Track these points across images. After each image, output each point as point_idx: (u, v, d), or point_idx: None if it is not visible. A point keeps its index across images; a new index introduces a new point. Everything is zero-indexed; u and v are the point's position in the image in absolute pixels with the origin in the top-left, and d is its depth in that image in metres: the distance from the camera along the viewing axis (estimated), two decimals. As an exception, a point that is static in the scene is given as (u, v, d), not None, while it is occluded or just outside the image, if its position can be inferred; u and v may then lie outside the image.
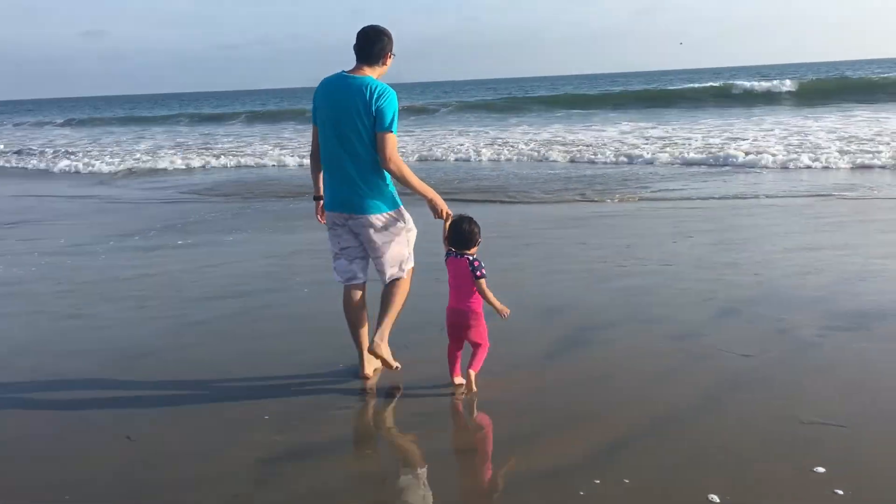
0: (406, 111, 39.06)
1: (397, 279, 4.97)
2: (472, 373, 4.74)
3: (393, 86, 4.74)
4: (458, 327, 4.76)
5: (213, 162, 23.55)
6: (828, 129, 22.34)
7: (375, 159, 4.66)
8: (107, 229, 11.71)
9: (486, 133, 28.23)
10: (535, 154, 20.64)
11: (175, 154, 26.21)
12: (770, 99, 38.27)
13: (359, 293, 4.99)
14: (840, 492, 3.41)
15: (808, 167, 15.55)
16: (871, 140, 18.58)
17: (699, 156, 17.75)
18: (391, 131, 4.60)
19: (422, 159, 21.11)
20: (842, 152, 16.66)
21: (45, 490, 3.76)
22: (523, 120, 34.95)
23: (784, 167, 15.73)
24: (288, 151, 25.07)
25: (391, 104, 4.61)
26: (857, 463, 3.70)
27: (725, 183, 13.97)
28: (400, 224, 4.87)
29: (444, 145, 23.96)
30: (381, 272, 4.94)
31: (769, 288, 6.74)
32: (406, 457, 4.13)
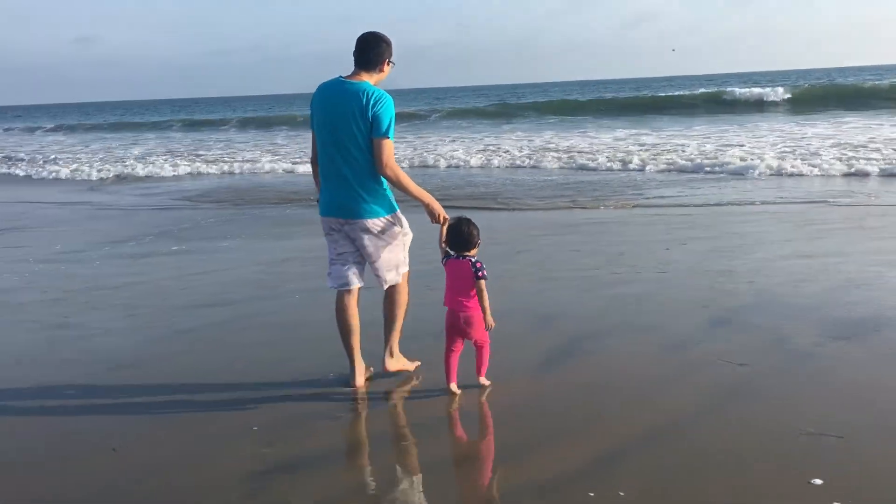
0: (398, 117, 38.87)
1: (395, 289, 4.99)
2: (484, 381, 4.85)
3: (386, 92, 4.71)
4: (459, 328, 4.75)
5: (205, 168, 23.47)
6: (821, 135, 22.35)
7: (372, 164, 4.64)
8: (96, 236, 11.61)
9: (479, 139, 28.20)
10: (528, 160, 20.60)
11: (167, 160, 26.11)
12: (763, 106, 38.31)
13: (352, 299, 4.95)
14: (839, 504, 3.35)
15: (802, 174, 15.51)
16: (864, 147, 18.57)
17: (693, 162, 17.70)
18: (388, 137, 4.60)
19: (413, 166, 21.09)
20: (835, 159, 16.64)
21: (29, 503, 3.69)
22: (516, 126, 34.95)
23: (777, 174, 15.70)
24: (279, 157, 25.02)
25: (388, 110, 4.61)
26: (856, 474, 3.64)
27: (719, 190, 13.94)
28: (396, 228, 4.86)
29: (435, 152, 23.92)
30: (380, 277, 4.92)
31: (764, 296, 6.68)
32: (398, 469, 4.04)
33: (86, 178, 22.77)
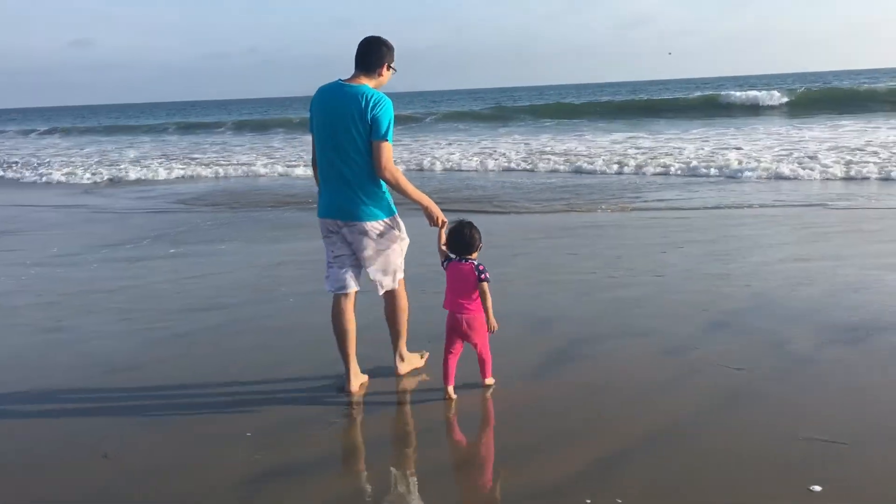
0: (395, 120, 38.91)
1: (393, 296, 5.00)
2: (489, 381, 4.91)
3: (385, 95, 4.71)
4: (460, 331, 4.75)
5: (201, 171, 23.40)
6: (818, 139, 22.37)
7: (371, 167, 4.65)
8: (91, 240, 11.55)
9: (475, 142, 28.19)
10: (525, 163, 20.57)
11: (162, 163, 26.03)
12: (759, 109, 38.36)
13: (349, 303, 4.93)
14: (839, 512, 3.32)
15: (799, 177, 15.49)
16: (861, 150, 18.57)
17: (690, 166, 17.67)
18: (386, 140, 4.60)
19: (409, 169, 21.03)
20: (832, 162, 16.62)
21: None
22: (512, 129, 34.93)
23: (774, 177, 15.68)
24: (273, 160, 24.97)
25: (387, 113, 4.61)
26: (856, 481, 3.62)
27: (716, 193, 13.91)
28: (395, 232, 4.86)
29: (431, 155, 23.88)
30: (376, 282, 4.91)
31: (762, 299, 6.65)
32: (393, 474, 3.99)
33: (80, 181, 22.65)
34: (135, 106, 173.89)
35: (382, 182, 4.73)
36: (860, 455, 3.85)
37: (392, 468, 4.03)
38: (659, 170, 17.68)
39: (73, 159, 29.69)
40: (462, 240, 4.71)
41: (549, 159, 20.80)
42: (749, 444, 3.99)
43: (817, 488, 3.51)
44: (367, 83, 4.72)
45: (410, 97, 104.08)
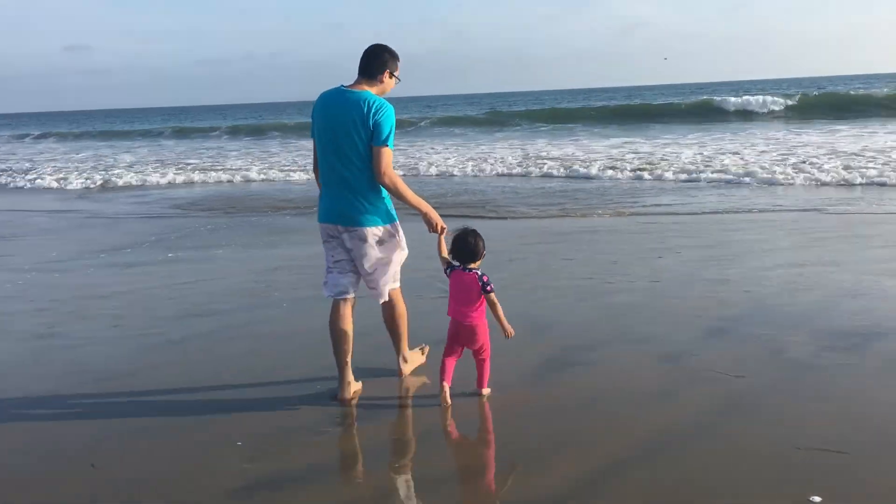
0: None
1: (391, 303, 5.00)
2: (485, 391, 4.85)
3: (386, 101, 4.72)
4: (462, 339, 4.74)
5: (196, 176, 23.28)
6: (814, 144, 22.38)
7: (372, 172, 4.65)
8: (85, 245, 11.46)
9: (471, 147, 28.16)
10: (520, 168, 20.53)
11: (157, 168, 25.94)
12: (756, 115, 38.41)
13: (347, 308, 4.91)
14: (840, 523, 3.27)
15: (796, 182, 15.46)
16: (858, 155, 18.57)
17: (686, 171, 17.65)
18: (387, 146, 4.60)
19: (405, 174, 20.97)
20: (829, 167, 16.61)
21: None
22: (508, 134, 34.95)
23: (771, 182, 15.65)
24: (270, 165, 24.90)
25: (388, 119, 4.62)
26: (856, 491, 3.56)
27: (713, 197, 13.88)
28: (395, 239, 4.85)
29: (427, 159, 23.85)
30: (373, 289, 4.91)
31: (760, 305, 6.60)
32: (386, 484, 3.92)
33: (74, 186, 22.52)
34: (130, 111, 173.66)
35: (383, 188, 4.72)
36: (860, 465, 3.79)
37: (385, 478, 3.96)
38: (656, 174, 17.63)
39: (67, 164, 29.55)
40: (466, 248, 4.67)
41: (545, 164, 20.76)
42: (748, 454, 3.93)
43: (817, 499, 3.45)
44: (369, 89, 4.72)
45: (405, 102, 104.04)
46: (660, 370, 5.21)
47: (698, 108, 41.97)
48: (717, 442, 4.10)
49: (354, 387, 4.93)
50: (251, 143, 38.11)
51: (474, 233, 4.72)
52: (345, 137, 4.62)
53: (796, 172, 16.22)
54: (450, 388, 4.76)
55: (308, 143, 32.73)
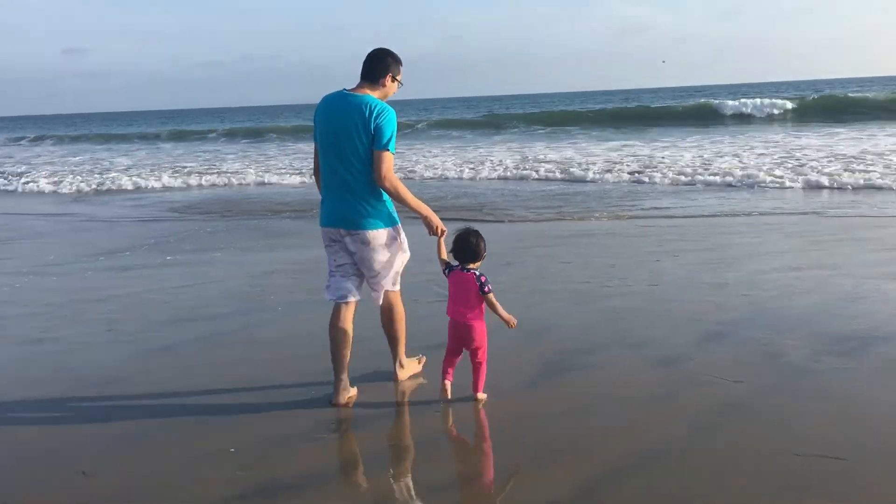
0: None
1: (390, 307, 4.99)
2: (481, 396, 4.79)
3: (388, 105, 4.72)
4: (461, 339, 4.74)
5: (193, 179, 23.23)
6: (813, 146, 22.36)
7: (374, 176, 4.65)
8: (80, 249, 11.41)
9: (469, 150, 28.12)
10: (518, 171, 20.49)
11: (154, 171, 25.87)
12: (755, 118, 38.42)
13: (349, 312, 4.90)
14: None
15: (795, 185, 15.41)
16: (857, 158, 18.54)
17: (685, 174, 17.60)
18: (388, 150, 4.60)
19: (402, 177, 20.92)
20: (828, 170, 16.58)
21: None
22: (506, 137, 34.91)
23: (770, 185, 15.60)
24: (266, 168, 24.85)
25: (390, 123, 4.62)
26: (855, 498, 3.51)
27: (711, 201, 13.84)
28: (397, 242, 4.85)
29: (423, 163, 23.81)
30: (374, 290, 4.90)
31: (759, 309, 6.56)
32: (380, 492, 3.87)
33: (71, 189, 22.43)
34: (128, 114, 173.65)
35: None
36: (862, 471, 3.75)
37: (381, 485, 3.91)
38: (654, 177, 17.57)
39: (64, 167, 29.48)
40: (468, 248, 4.68)
41: (543, 167, 20.71)
42: (746, 460, 3.89)
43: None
44: (371, 93, 4.73)
45: (402, 105, 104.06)
46: (657, 375, 5.17)
47: (697, 111, 41.97)
48: (715, 448, 4.06)
49: (349, 392, 4.88)
50: (249, 146, 38.07)
51: (476, 233, 4.72)
52: (346, 141, 4.61)
53: (796, 175, 16.17)
54: (451, 383, 4.81)
55: (305, 146, 32.73)
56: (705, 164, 19.33)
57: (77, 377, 5.57)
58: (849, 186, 14.83)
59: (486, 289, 4.61)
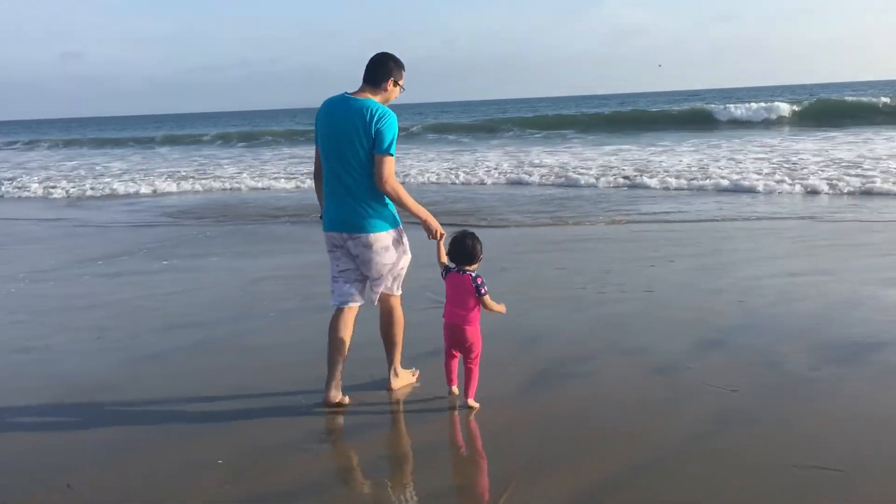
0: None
1: (390, 311, 4.97)
2: (473, 403, 4.74)
3: (390, 109, 4.70)
4: (457, 341, 4.73)
5: (188, 184, 23.13)
6: (810, 151, 22.33)
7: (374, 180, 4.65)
8: (72, 254, 11.32)
9: (465, 154, 28.09)
10: (514, 175, 20.44)
11: (148, 175, 25.78)
12: (752, 122, 38.45)
13: (351, 316, 4.90)
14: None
15: (792, 191, 15.36)
16: (854, 163, 18.51)
17: (681, 178, 17.56)
18: (389, 154, 4.61)
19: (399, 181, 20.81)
20: (826, 175, 16.55)
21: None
22: (502, 141, 34.88)
23: (766, 190, 15.54)
24: (261, 173, 24.78)
25: (391, 127, 4.63)
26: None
27: (707, 205, 13.79)
28: (400, 245, 4.85)
29: (418, 167, 23.75)
30: (373, 291, 4.89)
31: (756, 316, 6.50)
32: (371, 503, 3.81)
33: (63, 194, 22.30)
34: (123, 118, 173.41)
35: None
36: (860, 484, 3.68)
37: (372, 494, 3.85)
38: (649, 182, 17.52)
39: (58, 172, 29.38)
40: (464, 250, 4.69)
41: (538, 171, 20.66)
42: (743, 473, 3.82)
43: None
44: (373, 97, 4.73)
45: (398, 109, 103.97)
46: (653, 382, 5.11)
47: (693, 116, 41.98)
48: (710, 460, 3.98)
49: (340, 395, 4.83)
50: (244, 151, 38.01)
51: (472, 236, 4.74)
52: (347, 145, 4.61)
53: (792, 180, 16.11)
54: (457, 387, 4.83)
55: (300, 150, 32.66)
56: (702, 168, 19.30)
57: (62, 385, 5.49)
58: (845, 191, 14.79)
59: (483, 290, 4.63)
